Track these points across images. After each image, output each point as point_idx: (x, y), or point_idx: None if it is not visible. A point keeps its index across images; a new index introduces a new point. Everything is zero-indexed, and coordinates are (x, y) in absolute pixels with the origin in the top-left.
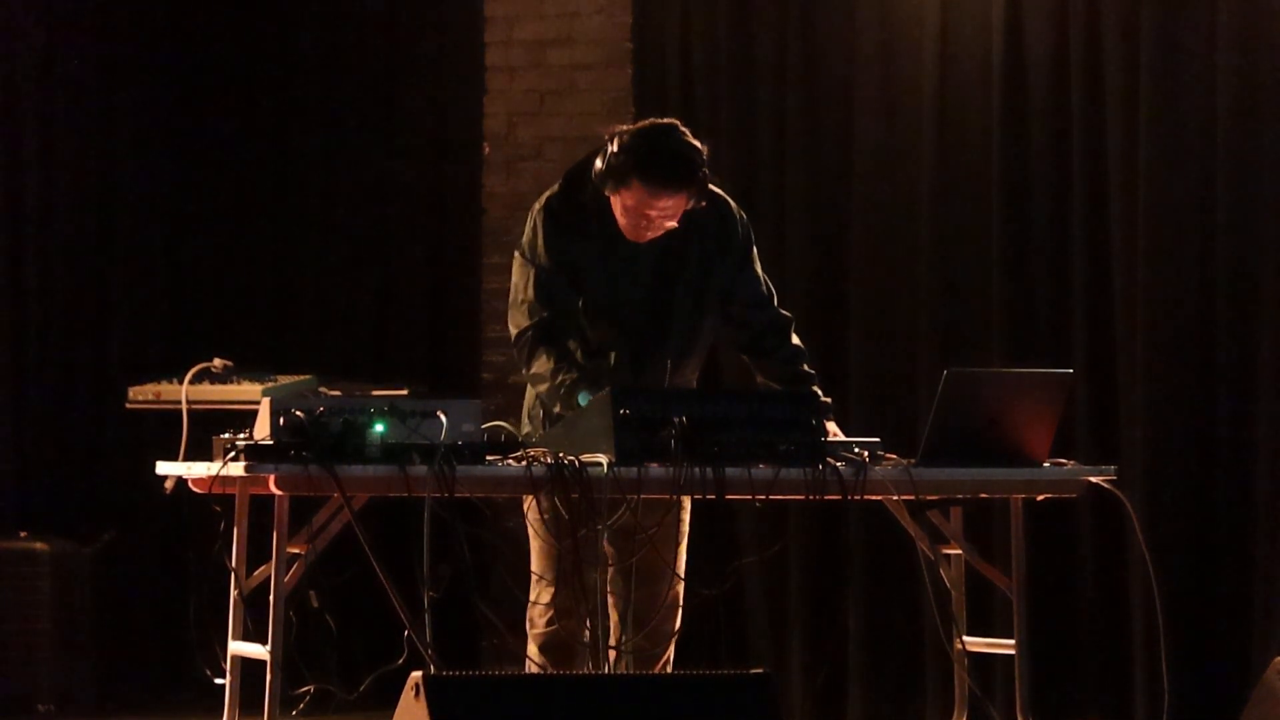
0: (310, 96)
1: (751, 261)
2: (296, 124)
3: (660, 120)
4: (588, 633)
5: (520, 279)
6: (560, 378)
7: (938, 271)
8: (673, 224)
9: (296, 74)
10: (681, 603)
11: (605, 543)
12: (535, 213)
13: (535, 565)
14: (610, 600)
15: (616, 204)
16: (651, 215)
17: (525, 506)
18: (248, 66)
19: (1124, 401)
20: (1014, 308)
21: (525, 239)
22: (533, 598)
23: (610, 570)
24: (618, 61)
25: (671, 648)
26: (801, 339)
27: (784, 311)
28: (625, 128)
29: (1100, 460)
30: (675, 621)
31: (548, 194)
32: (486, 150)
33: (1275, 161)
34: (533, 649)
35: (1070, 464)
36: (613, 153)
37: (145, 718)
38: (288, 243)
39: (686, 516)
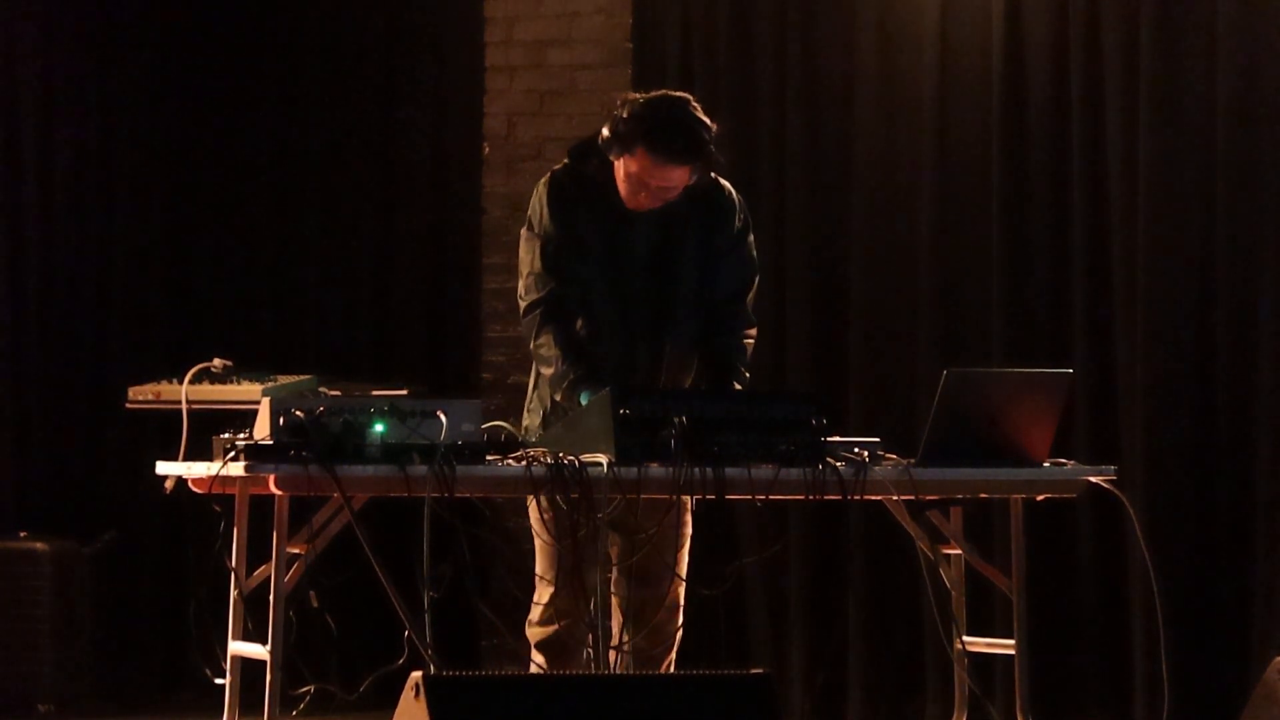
0: (310, 96)
1: (740, 250)
2: (296, 123)
3: (674, 93)
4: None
5: (527, 253)
6: (564, 368)
7: (938, 272)
8: (673, 196)
9: (296, 73)
10: (682, 603)
11: (609, 544)
12: (540, 186)
13: (538, 566)
14: (614, 601)
15: (619, 169)
16: (652, 185)
17: (529, 506)
18: (248, 66)
19: (1124, 401)
20: (1014, 308)
21: (531, 213)
22: (535, 598)
23: (614, 572)
24: (618, 61)
25: (674, 651)
26: (802, 339)
27: (748, 316)
28: (636, 95)
29: (1100, 460)
30: (676, 622)
31: (553, 169)
32: (486, 150)
33: (1275, 161)
34: (533, 648)
35: (1070, 464)
36: (622, 118)
37: (145, 718)
38: (288, 243)
39: (689, 519)
